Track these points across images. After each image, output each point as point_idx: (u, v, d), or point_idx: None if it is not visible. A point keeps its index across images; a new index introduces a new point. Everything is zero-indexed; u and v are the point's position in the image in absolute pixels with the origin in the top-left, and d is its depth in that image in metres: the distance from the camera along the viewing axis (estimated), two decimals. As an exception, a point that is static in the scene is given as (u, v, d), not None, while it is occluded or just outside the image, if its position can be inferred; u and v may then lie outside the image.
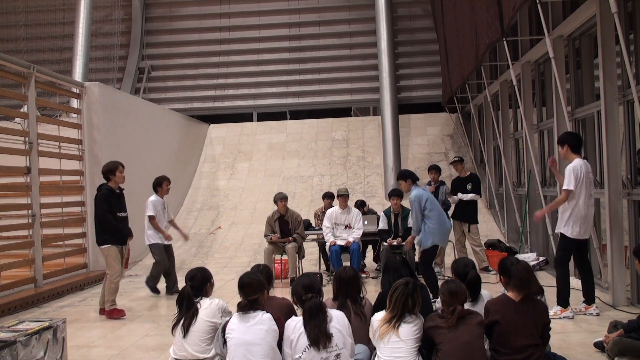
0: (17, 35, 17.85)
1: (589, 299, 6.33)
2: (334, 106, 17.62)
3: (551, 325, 4.26)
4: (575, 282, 7.78)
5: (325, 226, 8.97)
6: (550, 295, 6.43)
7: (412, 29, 17.44)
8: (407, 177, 7.32)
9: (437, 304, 4.56)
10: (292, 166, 15.46)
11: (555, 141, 8.38)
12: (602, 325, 5.60)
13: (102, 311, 7.22)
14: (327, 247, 9.01)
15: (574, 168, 6.06)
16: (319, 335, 3.84)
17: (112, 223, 7.02)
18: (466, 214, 9.36)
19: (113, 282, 7.04)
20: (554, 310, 6.10)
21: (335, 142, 16.13)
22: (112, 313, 7.05)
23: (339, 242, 8.77)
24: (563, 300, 6.22)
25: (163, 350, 5.49)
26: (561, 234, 6.23)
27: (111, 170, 7.21)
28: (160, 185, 8.47)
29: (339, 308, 4.35)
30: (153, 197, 8.42)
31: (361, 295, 4.56)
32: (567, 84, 8.22)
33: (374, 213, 9.94)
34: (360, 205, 10.07)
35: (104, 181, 7.22)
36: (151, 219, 8.27)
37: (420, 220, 7.10)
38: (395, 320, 4.00)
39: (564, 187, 6.09)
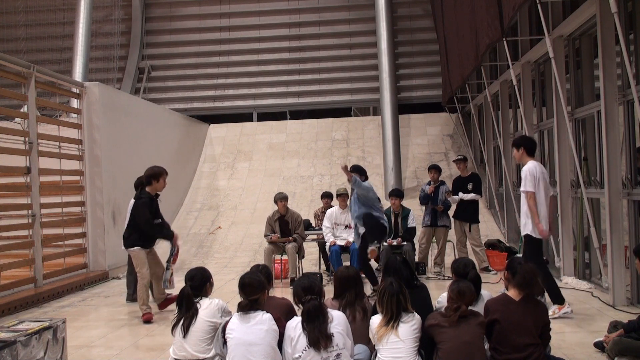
0: (17, 35, 17.84)
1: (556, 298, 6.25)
2: (334, 106, 17.62)
3: (551, 325, 4.26)
4: (575, 282, 7.80)
5: (325, 226, 8.96)
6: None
7: (412, 29, 17.43)
8: (354, 170, 7.37)
9: (439, 303, 4.57)
10: (292, 166, 15.46)
11: (555, 141, 8.40)
12: (602, 325, 5.60)
13: (161, 306, 7.22)
14: (327, 247, 9.01)
15: (529, 170, 6.13)
16: (318, 337, 3.84)
17: (155, 230, 7.01)
18: (467, 214, 9.35)
19: (145, 285, 6.96)
20: (552, 309, 6.09)
21: (335, 142, 16.13)
22: (144, 316, 6.90)
23: (339, 242, 8.76)
24: (557, 297, 6.20)
25: (163, 350, 5.49)
26: (527, 236, 6.21)
27: (155, 175, 7.07)
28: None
29: (340, 307, 4.35)
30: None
31: (362, 295, 4.56)
32: (567, 84, 8.22)
33: None
34: None
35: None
36: None
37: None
38: (393, 321, 4.01)
39: (523, 189, 6.15)
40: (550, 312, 5.97)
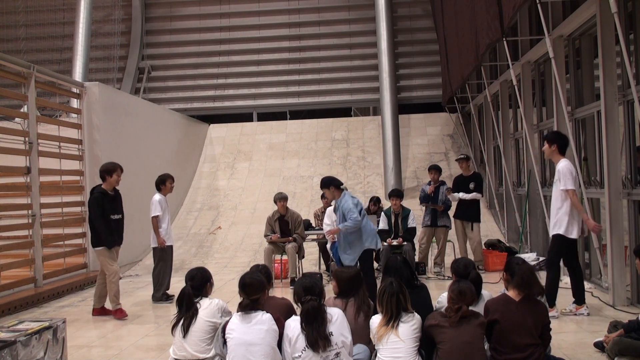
0: (17, 35, 17.85)
1: (580, 299, 6.31)
2: (334, 106, 17.62)
3: (551, 325, 4.26)
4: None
5: (325, 224, 8.91)
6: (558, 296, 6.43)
7: (412, 29, 17.44)
8: (329, 184, 6.90)
9: (439, 303, 4.56)
10: (292, 166, 15.46)
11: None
12: (602, 325, 5.60)
13: (95, 311, 7.23)
14: (328, 246, 8.99)
15: (567, 167, 6.05)
16: (317, 339, 3.83)
17: (100, 228, 6.98)
18: (470, 213, 9.32)
19: (113, 282, 7.02)
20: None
21: (335, 142, 16.13)
22: (116, 313, 7.04)
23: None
24: (551, 300, 6.17)
25: (163, 350, 5.49)
26: (558, 235, 6.15)
27: (108, 171, 7.15)
28: (163, 183, 8.21)
29: (345, 306, 4.33)
30: (158, 196, 8.11)
31: (366, 295, 4.55)
32: (567, 84, 8.22)
33: (381, 211, 9.86)
34: (376, 202, 10.05)
35: (101, 181, 7.20)
36: (154, 219, 7.96)
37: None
38: (393, 320, 4.00)
39: (566, 188, 6.00)
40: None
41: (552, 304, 6.21)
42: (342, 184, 7.00)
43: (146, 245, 8.49)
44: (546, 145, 6.30)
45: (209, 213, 14.17)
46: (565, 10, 7.96)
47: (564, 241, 6.14)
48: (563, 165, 6.08)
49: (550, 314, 6.01)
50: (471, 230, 9.29)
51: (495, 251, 9.50)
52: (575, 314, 6.21)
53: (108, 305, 7.22)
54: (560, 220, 6.13)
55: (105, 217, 7.02)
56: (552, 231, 6.26)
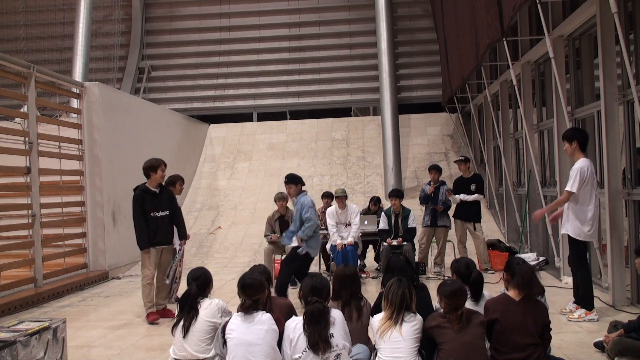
0: (17, 35, 17.86)
1: (589, 304, 6.16)
2: (334, 106, 17.63)
3: (551, 325, 4.26)
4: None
5: (329, 224, 8.91)
6: (552, 296, 6.42)
7: (412, 29, 17.44)
8: (297, 181, 7.35)
9: (439, 304, 4.56)
10: (292, 166, 15.44)
11: (555, 141, 8.39)
12: (602, 325, 5.60)
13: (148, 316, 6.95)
14: (328, 246, 8.98)
15: (581, 169, 5.93)
16: (318, 341, 3.82)
17: (137, 228, 6.78)
18: (471, 214, 9.28)
19: (145, 285, 6.85)
20: (577, 313, 6.05)
21: (335, 142, 16.13)
22: (148, 317, 6.84)
23: (343, 242, 8.70)
24: (588, 303, 6.08)
25: (163, 350, 5.49)
26: (570, 237, 6.09)
27: (153, 167, 6.91)
28: (173, 184, 7.98)
29: (341, 306, 4.33)
30: None
31: (358, 294, 4.54)
32: (567, 84, 8.22)
33: (381, 211, 9.86)
34: (376, 202, 10.05)
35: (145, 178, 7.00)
36: None
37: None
38: (396, 315, 3.99)
39: (567, 188, 5.97)
40: (575, 315, 5.99)
41: (591, 306, 6.08)
42: (303, 184, 7.50)
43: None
44: (566, 144, 6.17)
45: (209, 213, 14.17)
46: (565, 10, 7.95)
47: (578, 242, 6.07)
48: (578, 166, 5.97)
49: (589, 316, 5.98)
50: (474, 229, 9.27)
51: (496, 251, 9.49)
52: (585, 320, 6.03)
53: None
54: (571, 221, 6.05)
55: (146, 216, 6.78)
56: (565, 231, 6.20)
